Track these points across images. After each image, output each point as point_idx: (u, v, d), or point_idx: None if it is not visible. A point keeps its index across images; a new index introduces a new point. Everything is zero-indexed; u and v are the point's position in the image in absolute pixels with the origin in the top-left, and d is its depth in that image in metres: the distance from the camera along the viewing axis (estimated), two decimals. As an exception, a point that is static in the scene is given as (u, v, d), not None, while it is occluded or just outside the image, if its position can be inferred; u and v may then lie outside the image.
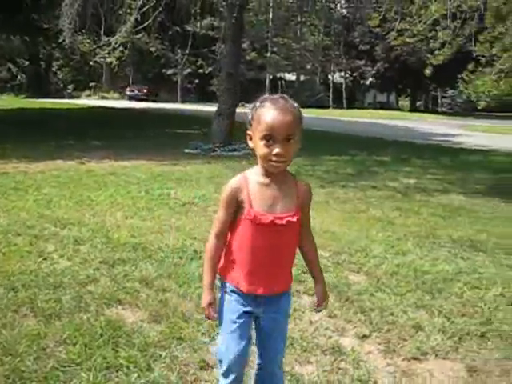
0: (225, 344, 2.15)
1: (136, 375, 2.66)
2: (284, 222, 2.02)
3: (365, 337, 3.26)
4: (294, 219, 2.04)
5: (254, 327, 2.20)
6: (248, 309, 2.12)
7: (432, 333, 3.32)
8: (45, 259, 4.31)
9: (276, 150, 1.94)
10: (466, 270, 4.51)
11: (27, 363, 2.71)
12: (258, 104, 2.02)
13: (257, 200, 2.03)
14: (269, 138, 1.95)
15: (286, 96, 2.06)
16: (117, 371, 2.69)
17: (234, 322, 2.12)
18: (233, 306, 2.13)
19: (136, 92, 44.80)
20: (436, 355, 3.08)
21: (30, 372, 2.63)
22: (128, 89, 45.62)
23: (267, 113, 1.96)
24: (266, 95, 2.09)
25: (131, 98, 43.29)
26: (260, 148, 1.98)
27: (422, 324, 3.42)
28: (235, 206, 2.05)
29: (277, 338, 2.22)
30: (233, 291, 2.13)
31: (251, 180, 2.06)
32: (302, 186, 2.12)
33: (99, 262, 4.27)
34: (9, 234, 4.92)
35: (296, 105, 2.03)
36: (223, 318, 2.16)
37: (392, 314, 3.55)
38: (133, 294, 3.68)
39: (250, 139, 2.06)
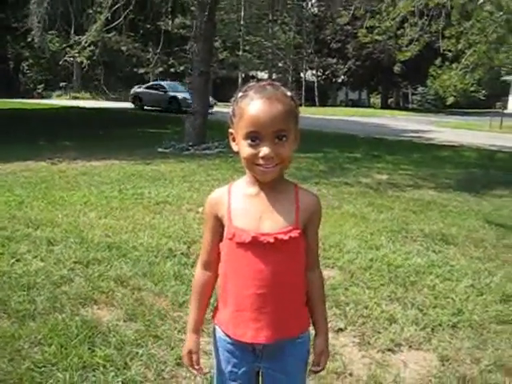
0: None
1: (113, 374, 2.66)
2: (271, 239, 1.57)
3: (340, 330, 3.32)
4: (286, 237, 1.57)
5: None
6: (244, 368, 1.69)
7: (405, 325, 3.38)
8: (18, 260, 4.27)
9: (264, 151, 1.52)
10: (437, 263, 4.60)
11: (1, 365, 2.69)
12: (239, 95, 1.59)
13: (238, 215, 1.62)
14: (254, 136, 1.53)
15: (275, 82, 1.63)
16: (93, 370, 2.69)
17: None
18: (225, 362, 1.71)
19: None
20: (410, 346, 3.15)
21: (5, 374, 2.62)
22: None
23: (251, 104, 1.53)
24: (252, 83, 1.63)
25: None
26: (244, 149, 1.56)
27: (396, 316, 3.49)
28: (216, 225, 1.67)
29: None
30: (222, 339, 1.71)
31: (235, 191, 1.66)
32: (306, 196, 1.66)
33: (73, 262, 4.24)
34: (-20, 236, 4.85)
35: (289, 93, 1.59)
36: (216, 373, 1.78)
37: (366, 308, 3.61)
38: (108, 293, 3.67)
39: (234, 140, 1.63)
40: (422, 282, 4.13)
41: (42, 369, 2.67)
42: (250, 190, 1.64)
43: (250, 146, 1.54)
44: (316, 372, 1.79)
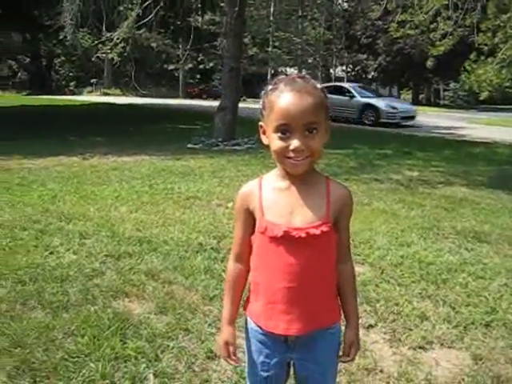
0: None
1: (144, 365, 2.69)
2: (303, 233, 1.57)
3: (370, 327, 3.29)
4: (318, 231, 1.57)
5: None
6: (276, 359, 1.70)
7: (437, 322, 3.34)
8: (51, 253, 4.35)
9: (294, 144, 1.52)
10: (470, 261, 4.52)
11: (36, 354, 2.74)
12: (269, 88, 1.59)
13: (270, 208, 1.61)
14: (284, 128, 1.53)
15: (305, 75, 1.63)
16: (125, 361, 2.72)
17: (258, 375, 1.74)
18: (257, 352, 1.72)
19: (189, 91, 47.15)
20: (441, 344, 3.11)
21: (40, 363, 2.67)
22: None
23: (281, 97, 1.53)
24: (281, 76, 1.64)
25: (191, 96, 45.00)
26: (274, 142, 1.56)
27: (427, 314, 3.44)
28: (248, 218, 1.67)
29: None
30: (254, 329, 1.72)
31: (266, 184, 1.66)
32: (337, 189, 1.66)
33: (105, 256, 4.30)
34: (15, 229, 4.95)
35: (319, 85, 1.59)
36: (247, 365, 1.79)
37: (397, 305, 3.57)
38: (139, 286, 3.71)
39: (264, 133, 1.63)
40: (454, 280, 4.06)
41: (76, 359, 2.72)
42: (281, 183, 1.64)
43: (281, 138, 1.54)
44: (345, 362, 1.80)
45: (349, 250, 1.76)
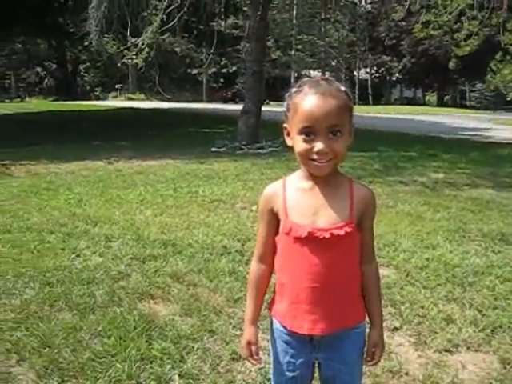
0: None
1: (169, 366, 2.72)
2: (327, 234, 1.58)
3: (395, 329, 3.26)
4: (342, 232, 1.58)
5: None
6: (301, 359, 1.70)
7: (463, 325, 3.30)
8: (78, 256, 4.42)
9: (318, 146, 1.54)
10: (497, 264, 4.45)
11: (64, 355, 2.79)
12: (294, 90, 1.61)
13: (294, 209, 1.63)
14: (308, 131, 1.55)
15: (329, 78, 1.66)
16: (151, 362, 2.75)
17: (284, 375, 1.74)
18: (282, 353, 1.73)
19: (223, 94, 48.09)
20: (468, 347, 3.07)
21: (68, 363, 2.72)
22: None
23: (305, 99, 1.55)
24: (305, 78, 1.66)
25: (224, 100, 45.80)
26: (298, 144, 1.58)
27: (453, 317, 3.40)
28: (272, 219, 1.68)
29: None
30: (279, 330, 1.72)
31: (290, 185, 1.67)
32: (360, 190, 1.67)
33: (130, 258, 4.35)
34: (42, 232, 5.04)
35: (343, 88, 1.60)
36: (272, 365, 1.80)
37: (422, 307, 3.54)
38: (164, 288, 3.75)
39: (288, 135, 1.65)
40: (480, 283, 4.01)
41: (102, 359, 2.75)
42: (305, 184, 1.65)
43: (305, 141, 1.56)
44: (370, 365, 1.79)
45: (373, 251, 1.77)
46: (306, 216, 1.61)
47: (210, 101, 45.00)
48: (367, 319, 1.78)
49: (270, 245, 1.71)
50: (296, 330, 1.67)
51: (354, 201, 1.64)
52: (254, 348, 1.75)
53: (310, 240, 1.59)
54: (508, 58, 13.96)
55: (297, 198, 1.64)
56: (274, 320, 1.75)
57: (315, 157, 1.56)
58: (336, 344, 1.69)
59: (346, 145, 1.59)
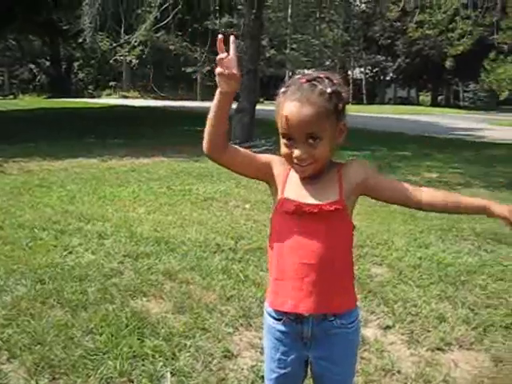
0: None
1: (161, 364, 2.70)
2: (315, 209, 1.58)
3: (388, 328, 3.26)
4: (332, 208, 1.58)
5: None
6: (293, 356, 1.69)
7: (456, 324, 3.30)
8: (70, 253, 4.39)
9: (296, 153, 1.57)
10: (489, 263, 4.47)
11: (56, 352, 2.77)
12: (282, 90, 1.60)
13: (290, 187, 1.65)
14: (288, 136, 1.57)
15: (321, 77, 1.58)
16: (143, 360, 2.74)
17: (275, 372, 1.73)
18: (274, 349, 1.71)
19: None
20: (460, 346, 3.07)
21: (59, 360, 2.70)
22: None
23: (285, 105, 1.55)
24: (296, 77, 1.63)
25: None
26: (281, 147, 1.61)
27: (446, 315, 3.41)
28: (263, 167, 1.68)
29: None
30: (272, 326, 1.71)
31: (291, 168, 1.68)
32: (347, 168, 1.66)
33: (123, 256, 4.33)
34: (35, 229, 5.01)
35: (329, 90, 1.54)
36: (265, 362, 1.79)
37: (415, 306, 3.54)
38: (157, 286, 3.73)
39: None
40: (473, 282, 4.02)
41: (94, 357, 2.74)
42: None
43: (286, 145, 1.59)
44: None
45: (408, 185, 1.70)
46: (296, 193, 1.63)
47: (204, 99, 44.94)
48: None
49: (241, 154, 1.69)
50: (278, 308, 1.65)
51: (342, 182, 1.63)
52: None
53: (299, 215, 1.59)
54: (501, 57, 14.03)
55: (294, 180, 1.65)
56: (266, 310, 1.74)
57: (295, 161, 1.59)
58: (327, 343, 1.66)
59: (327, 149, 1.59)
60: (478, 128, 21.03)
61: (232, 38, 1.59)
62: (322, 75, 1.60)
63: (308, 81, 1.57)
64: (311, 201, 1.61)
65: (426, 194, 1.66)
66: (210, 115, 1.62)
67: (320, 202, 1.60)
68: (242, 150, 1.68)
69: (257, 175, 1.72)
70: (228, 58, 1.55)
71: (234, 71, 1.55)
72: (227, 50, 1.57)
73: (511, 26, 12.18)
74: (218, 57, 1.54)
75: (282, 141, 1.59)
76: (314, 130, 1.54)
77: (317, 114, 1.52)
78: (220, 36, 1.56)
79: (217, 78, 1.56)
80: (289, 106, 1.53)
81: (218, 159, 1.70)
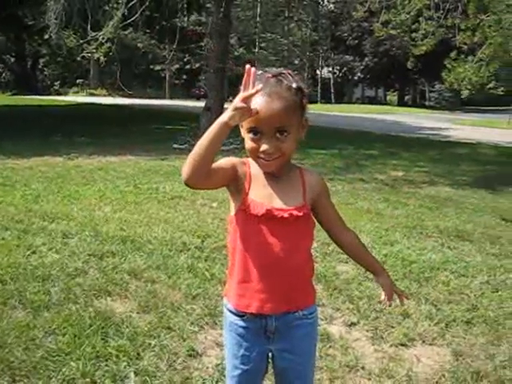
0: None
1: (125, 363, 2.67)
2: (286, 214, 1.62)
3: (353, 324, 3.30)
4: (301, 213, 1.63)
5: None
6: (256, 352, 1.71)
7: (419, 320, 3.36)
8: (33, 252, 4.30)
9: (263, 147, 1.57)
10: (452, 259, 4.56)
11: (16, 354, 2.71)
12: (254, 71, 1.54)
13: (254, 189, 1.64)
14: (255, 130, 1.57)
15: (283, 72, 1.62)
16: (106, 360, 2.70)
17: (238, 368, 1.74)
18: (237, 345, 1.72)
19: (197, 92, 45.20)
20: (423, 341, 3.13)
21: (20, 362, 2.64)
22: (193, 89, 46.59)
23: (253, 100, 1.51)
24: (260, 72, 1.60)
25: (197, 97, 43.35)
26: (247, 141, 1.61)
27: (410, 311, 3.46)
28: (229, 172, 1.63)
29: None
30: (234, 323, 1.72)
31: (252, 166, 1.67)
32: (310, 176, 1.72)
33: (88, 255, 4.26)
34: (-4, 229, 4.90)
35: (294, 85, 1.58)
36: (227, 359, 1.80)
37: (380, 303, 3.58)
38: (122, 285, 3.69)
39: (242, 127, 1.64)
40: (436, 278, 4.09)
41: (56, 358, 2.69)
42: (260, 171, 1.67)
43: (252, 139, 1.59)
44: (402, 297, 1.93)
45: (343, 221, 1.82)
46: (264, 196, 1.64)
47: (173, 97, 44.63)
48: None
49: (214, 172, 1.57)
50: (243, 310, 1.67)
51: (306, 188, 1.69)
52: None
53: (268, 218, 1.61)
54: (462, 56, 14.34)
55: (257, 180, 1.66)
56: (226, 307, 1.74)
57: (262, 155, 1.59)
58: (289, 335, 1.70)
59: (293, 143, 1.61)
60: (444, 127, 21.42)
61: (253, 69, 1.51)
62: (284, 71, 1.63)
63: (274, 76, 1.59)
64: (279, 204, 1.63)
65: (346, 241, 1.82)
66: (205, 146, 1.50)
67: (288, 207, 1.63)
68: (212, 167, 1.57)
69: (225, 184, 1.67)
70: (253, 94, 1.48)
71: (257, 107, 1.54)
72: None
73: (470, 27, 12.46)
74: (249, 93, 1.47)
75: (248, 135, 1.60)
76: (283, 124, 1.56)
77: (285, 108, 1.55)
78: (248, 66, 1.51)
79: (231, 110, 1.48)
80: (258, 100, 1.53)
81: (200, 187, 1.71)
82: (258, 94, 1.52)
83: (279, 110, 1.54)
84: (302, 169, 1.74)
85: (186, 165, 1.53)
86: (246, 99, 1.47)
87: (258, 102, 1.54)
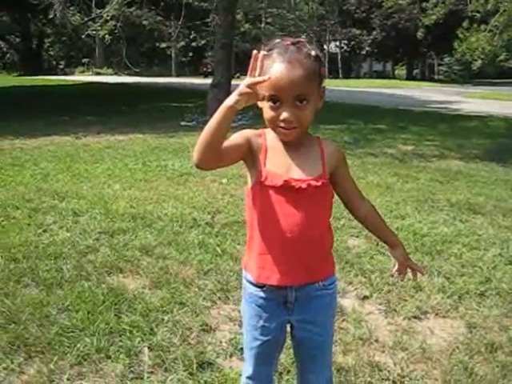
0: (246, 366, 1.82)
1: (139, 339, 2.68)
2: (304, 185, 1.59)
3: (365, 298, 3.29)
4: (319, 183, 1.61)
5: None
6: (275, 322, 1.70)
7: (432, 293, 3.35)
8: (44, 231, 4.32)
9: (284, 115, 1.54)
10: (464, 232, 4.53)
11: (31, 330, 2.73)
12: (263, 53, 1.52)
13: (271, 159, 1.62)
14: (275, 99, 1.54)
15: (302, 40, 1.60)
16: (120, 335, 2.71)
17: (258, 340, 1.74)
18: (256, 317, 1.71)
19: (204, 69, 44.30)
20: (436, 314, 3.12)
21: (34, 338, 2.66)
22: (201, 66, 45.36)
23: (273, 67, 1.52)
24: (278, 40, 1.61)
25: (204, 74, 42.52)
26: (265, 111, 1.58)
27: (422, 284, 3.44)
28: (244, 147, 1.61)
29: (316, 357, 1.77)
30: (253, 294, 1.71)
31: (269, 137, 1.65)
32: (328, 147, 1.70)
33: (98, 233, 4.28)
34: (7, 208, 4.92)
35: (313, 53, 1.57)
36: (245, 331, 1.79)
37: (392, 276, 3.57)
38: (133, 262, 3.70)
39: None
40: (448, 251, 4.07)
41: (70, 334, 2.70)
42: (279, 141, 1.65)
43: (271, 108, 1.56)
44: (417, 271, 1.95)
45: (360, 192, 1.80)
46: (281, 167, 1.61)
47: (179, 75, 44.38)
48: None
49: (226, 151, 1.55)
50: (263, 281, 1.66)
51: (324, 157, 1.67)
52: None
53: (286, 189, 1.59)
54: (474, 26, 14.02)
55: (274, 150, 1.63)
56: (247, 278, 1.73)
57: (281, 124, 1.57)
58: (308, 305, 1.69)
59: (312, 112, 1.60)
60: (453, 101, 21.17)
61: (260, 54, 1.49)
62: (302, 39, 1.61)
63: (293, 44, 1.57)
64: (298, 175, 1.61)
65: (363, 213, 1.79)
66: (213, 129, 1.49)
67: (307, 177, 1.61)
68: (224, 146, 1.55)
69: (241, 158, 1.65)
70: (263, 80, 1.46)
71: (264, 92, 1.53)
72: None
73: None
74: (256, 79, 1.45)
75: (268, 104, 1.56)
76: (303, 92, 1.54)
77: (306, 75, 1.53)
78: (255, 52, 1.49)
79: (237, 95, 1.48)
80: (278, 68, 1.51)
81: (213, 167, 1.65)
82: (278, 61, 1.53)
83: (300, 76, 1.52)
84: (320, 139, 1.72)
85: (196, 148, 1.52)
86: (253, 85, 1.46)
87: (279, 69, 1.52)
